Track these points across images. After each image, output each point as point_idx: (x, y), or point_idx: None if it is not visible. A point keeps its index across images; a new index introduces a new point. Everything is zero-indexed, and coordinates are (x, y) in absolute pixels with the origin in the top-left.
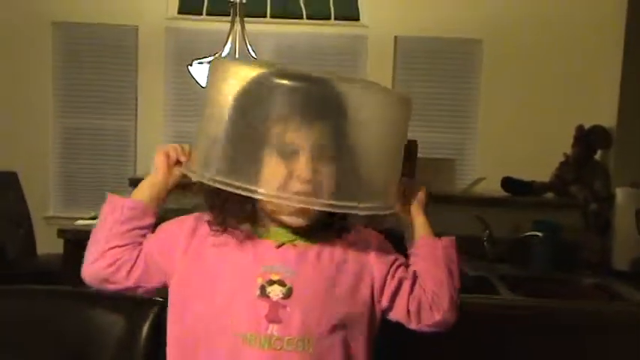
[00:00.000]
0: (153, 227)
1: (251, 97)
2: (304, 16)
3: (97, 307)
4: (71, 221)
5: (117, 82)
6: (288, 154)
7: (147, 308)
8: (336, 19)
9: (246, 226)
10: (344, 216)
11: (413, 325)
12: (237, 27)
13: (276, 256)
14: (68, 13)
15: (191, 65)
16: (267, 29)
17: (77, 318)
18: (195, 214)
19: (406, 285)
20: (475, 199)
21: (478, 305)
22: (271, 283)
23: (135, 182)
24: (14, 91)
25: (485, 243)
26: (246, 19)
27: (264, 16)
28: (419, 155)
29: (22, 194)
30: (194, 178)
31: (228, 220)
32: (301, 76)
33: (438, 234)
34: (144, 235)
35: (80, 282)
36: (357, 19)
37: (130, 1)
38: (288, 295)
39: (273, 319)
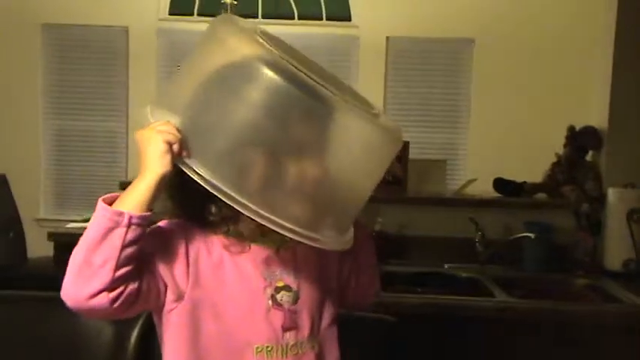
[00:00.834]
0: None
1: (244, 88)
2: (296, 17)
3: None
4: (62, 224)
5: (108, 83)
6: (273, 155)
7: (135, 318)
8: (327, 19)
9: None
10: None
11: (356, 311)
12: None
13: (273, 262)
14: (58, 14)
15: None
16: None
17: (65, 324)
18: (179, 222)
19: (354, 272)
20: (467, 201)
21: (471, 308)
22: (278, 290)
23: (126, 186)
24: (3, 93)
25: (477, 245)
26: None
27: (256, 17)
28: (410, 156)
29: (12, 197)
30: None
31: (229, 228)
32: (309, 86)
33: (430, 237)
34: (143, 252)
35: None
36: (349, 19)
37: (121, 2)
38: (296, 300)
39: (289, 326)
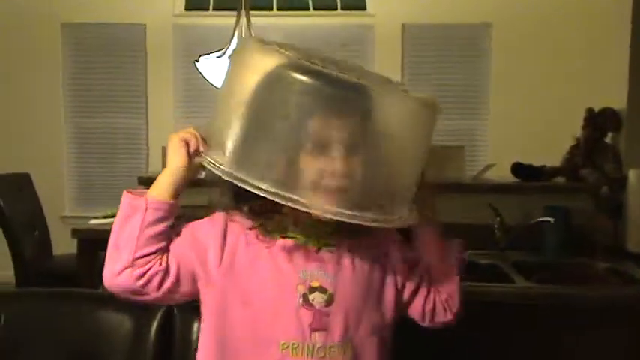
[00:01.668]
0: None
1: (283, 97)
2: (310, 8)
3: (106, 308)
4: (86, 220)
5: (126, 80)
6: (320, 151)
7: (154, 309)
8: (342, 9)
9: (275, 228)
10: None
11: (426, 323)
12: (243, 21)
13: (312, 261)
14: (77, 13)
15: (198, 61)
16: (273, 22)
17: (86, 319)
18: (221, 214)
19: (424, 284)
20: (485, 187)
21: (492, 293)
22: (312, 290)
23: (144, 181)
24: (25, 92)
25: (496, 230)
26: (252, 12)
27: (271, 9)
28: None
29: (36, 195)
30: (236, 181)
31: (265, 223)
32: (335, 79)
33: (449, 224)
34: (169, 237)
35: (94, 281)
36: (364, 8)
37: None
38: (330, 302)
39: (317, 327)
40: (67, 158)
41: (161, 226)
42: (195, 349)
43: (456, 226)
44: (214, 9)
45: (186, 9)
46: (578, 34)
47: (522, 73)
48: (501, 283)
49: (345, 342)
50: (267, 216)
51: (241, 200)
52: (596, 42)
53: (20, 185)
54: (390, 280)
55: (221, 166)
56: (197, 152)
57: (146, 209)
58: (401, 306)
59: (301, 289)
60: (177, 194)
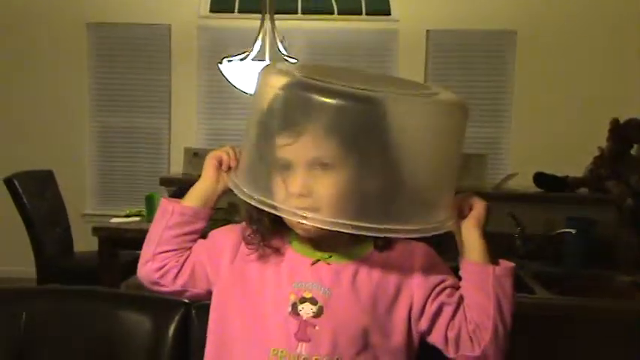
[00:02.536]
0: (205, 230)
1: (264, 111)
2: (335, 12)
3: (124, 307)
4: (107, 219)
5: (151, 80)
6: (284, 171)
7: (173, 309)
8: (367, 14)
9: (278, 240)
10: None
11: (451, 354)
12: (268, 24)
13: (310, 273)
14: (102, 13)
15: (221, 63)
16: (298, 25)
17: (105, 318)
18: (242, 224)
19: (448, 310)
20: (506, 195)
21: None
22: (303, 300)
23: (166, 182)
24: (51, 91)
25: (517, 240)
26: (276, 15)
27: (295, 12)
28: None
29: (59, 192)
30: (237, 193)
31: (264, 234)
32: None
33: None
34: (194, 240)
35: (114, 279)
36: (389, 13)
37: (163, 0)
38: (318, 314)
39: (301, 337)
40: (90, 156)
41: (184, 229)
42: None
43: None
44: (239, 11)
45: (212, 10)
46: (603, 43)
47: (546, 81)
48: (521, 294)
49: (334, 358)
50: (270, 228)
51: (254, 214)
52: (623, 52)
53: (43, 182)
54: (403, 302)
55: (235, 181)
56: (229, 168)
57: (172, 213)
58: (419, 331)
59: (293, 298)
60: (206, 203)
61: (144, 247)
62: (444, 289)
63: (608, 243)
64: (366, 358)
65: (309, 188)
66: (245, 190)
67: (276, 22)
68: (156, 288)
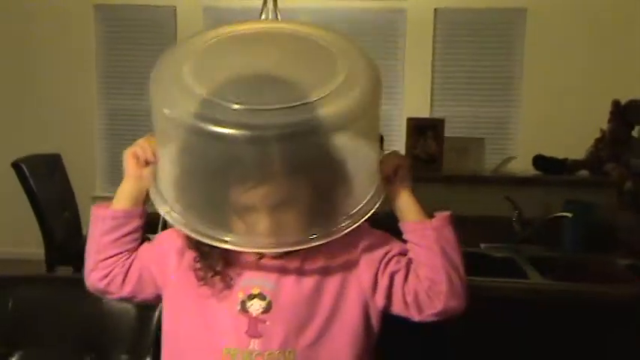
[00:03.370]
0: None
1: (194, 148)
2: None
3: None
4: None
5: (157, 61)
6: (244, 211)
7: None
8: None
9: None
10: None
11: (416, 317)
12: (270, 4)
13: (256, 269)
14: None
15: None
16: (302, 5)
17: (91, 306)
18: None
19: (399, 277)
20: (504, 179)
21: (504, 289)
22: (251, 297)
23: None
24: (60, 74)
25: (514, 224)
26: None
27: None
28: (457, 133)
29: (67, 176)
30: (164, 215)
31: (215, 267)
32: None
33: (464, 216)
34: (135, 240)
35: None
36: None
37: None
38: (267, 309)
39: (253, 334)
40: (99, 139)
41: (121, 231)
42: None
43: (473, 219)
44: None
45: None
46: (610, 22)
47: (555, 61)
48: (514, 279)
49: (285, 350)
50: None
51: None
52: (627, 32)
53: (51, 166)
54: (352, 285)
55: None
56: (147, 162)
57: (104, 218)
58: (377, 307)
59: (241, 296)
60: (136, 202)
61: (85, 257)
62: (391, 258)
63: (607, 226)
64: (322, 347)
65: (277, 224)
66: (198, 228)
67: (279, 3)
68: (105, 296)
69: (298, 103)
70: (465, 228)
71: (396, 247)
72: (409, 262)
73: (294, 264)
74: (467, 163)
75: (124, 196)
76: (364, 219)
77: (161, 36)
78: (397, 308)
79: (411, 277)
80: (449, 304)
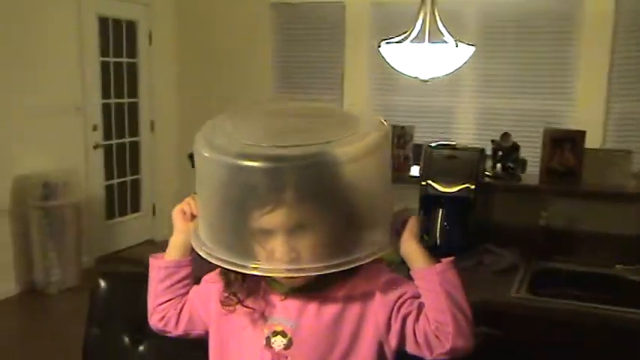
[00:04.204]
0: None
1: (223, 183)
2: None
3: None
4: None
5: (326, 57)
6: (263, 237)
7: None
8: None
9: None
10: None
11: (428, 357)
12: (429, 1)
13: (280, 308)
14: None
15: (380, 46)
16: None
17: None
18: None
19: (410, 320)
20: None
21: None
22: (275, 334)
23: None
24: (240, 69)
25: None
26: None
27: None
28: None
29: None
30: (198, 251)
31: (240, 295)
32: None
33: (599, 234)
34: (185, 285)
35: None
36: None
37: None
38: (288, 345)
39: None
40: None
41: (172, 280)
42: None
43: (612, 237)
44: None
45: None
46: None
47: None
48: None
49: None
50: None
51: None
52: None
53: None
54: (369, 324)
55: (198, 239)
56: (193, 216)
57: (158, 268)
58: (391, 348)
59: (266, 332)
60: (185, 253)
61: (148, 302)
62: (404, 301)
63: None
64: None
65: (294, 250)
66: (222, 256)
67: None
68: (164, 334)
69: (316, 142)
70: (602, 246)
71: (410, 289)
72: (421, 305)
73: (315, 303)
74: (612, 177)
75: (174, 248)
76: (383, 251)
77: (330, 32)
78: (410, 348)
79: (422, 319)
80: (456, 344)
